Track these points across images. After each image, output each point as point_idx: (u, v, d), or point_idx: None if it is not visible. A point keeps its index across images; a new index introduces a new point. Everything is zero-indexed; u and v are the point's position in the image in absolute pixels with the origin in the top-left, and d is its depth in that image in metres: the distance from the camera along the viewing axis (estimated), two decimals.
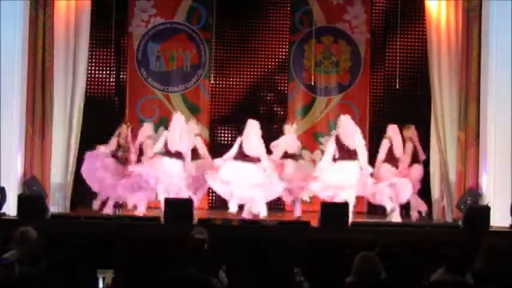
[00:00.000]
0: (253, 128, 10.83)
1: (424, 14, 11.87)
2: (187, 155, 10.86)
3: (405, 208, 11.43)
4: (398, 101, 12.97)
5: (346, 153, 10.66)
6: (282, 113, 13.11)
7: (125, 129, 11.41)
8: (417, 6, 12.23)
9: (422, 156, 11.43)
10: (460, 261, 5.56)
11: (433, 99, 11.50)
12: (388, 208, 10.89)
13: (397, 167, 11.18)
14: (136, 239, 8.24)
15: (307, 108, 12.91)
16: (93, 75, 12.77)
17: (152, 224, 10.13)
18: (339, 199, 10.50)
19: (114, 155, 11.26)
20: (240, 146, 10.77)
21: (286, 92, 13.11)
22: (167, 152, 10.73)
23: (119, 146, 11.30)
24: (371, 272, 5.46)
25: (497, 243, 6.03)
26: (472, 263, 5.76)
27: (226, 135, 13.21)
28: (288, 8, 13.16)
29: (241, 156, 10.69)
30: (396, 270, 6.01)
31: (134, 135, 11.59)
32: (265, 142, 11.09)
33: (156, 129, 11.94)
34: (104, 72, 12.83)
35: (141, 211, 10.95)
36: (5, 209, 10.31)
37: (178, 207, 10.09)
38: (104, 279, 6.78)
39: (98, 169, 11.06)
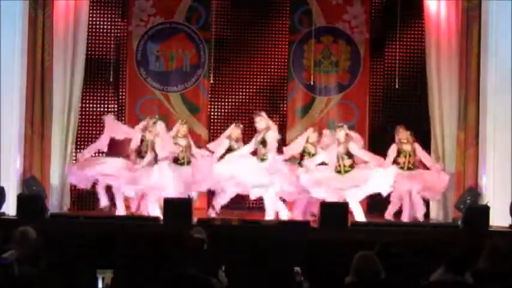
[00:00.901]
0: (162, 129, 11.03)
1: (423, 13, 11.88)
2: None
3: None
4: (398, 100, 12.96)
5: None
6: (282, 112, 13.10)
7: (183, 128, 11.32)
8: (417, 6, 12.22)
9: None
10: (459, 261, 5.56)
11: (433, 99, 11.51)
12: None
13: None
14: (136, 238, 8.23)
15: (307, 108, 12.88)
16: (92, 75, 12.74)
17: (152, 224, 10.14)
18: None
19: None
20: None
21: (285, 91, 13.09)
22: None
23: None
24: (370, 272, 5.46)
25: (498, 243, 6.03)
26: (471, 262, 5.76)
27: None
28: (288, 8, 13.13)
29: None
30: (396, 270, 6.01)
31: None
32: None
33: None
34: (103, 72, 12.79)
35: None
36: (4, 209, 10.32)
37: (177, 207, 10.10)
38: (103, 279, 6.78)
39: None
